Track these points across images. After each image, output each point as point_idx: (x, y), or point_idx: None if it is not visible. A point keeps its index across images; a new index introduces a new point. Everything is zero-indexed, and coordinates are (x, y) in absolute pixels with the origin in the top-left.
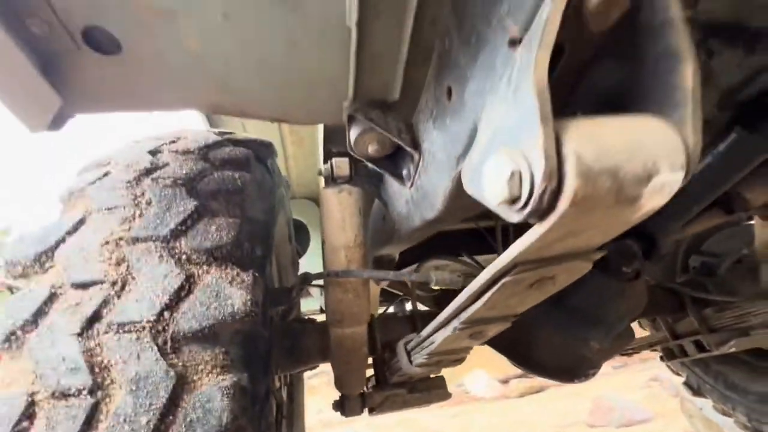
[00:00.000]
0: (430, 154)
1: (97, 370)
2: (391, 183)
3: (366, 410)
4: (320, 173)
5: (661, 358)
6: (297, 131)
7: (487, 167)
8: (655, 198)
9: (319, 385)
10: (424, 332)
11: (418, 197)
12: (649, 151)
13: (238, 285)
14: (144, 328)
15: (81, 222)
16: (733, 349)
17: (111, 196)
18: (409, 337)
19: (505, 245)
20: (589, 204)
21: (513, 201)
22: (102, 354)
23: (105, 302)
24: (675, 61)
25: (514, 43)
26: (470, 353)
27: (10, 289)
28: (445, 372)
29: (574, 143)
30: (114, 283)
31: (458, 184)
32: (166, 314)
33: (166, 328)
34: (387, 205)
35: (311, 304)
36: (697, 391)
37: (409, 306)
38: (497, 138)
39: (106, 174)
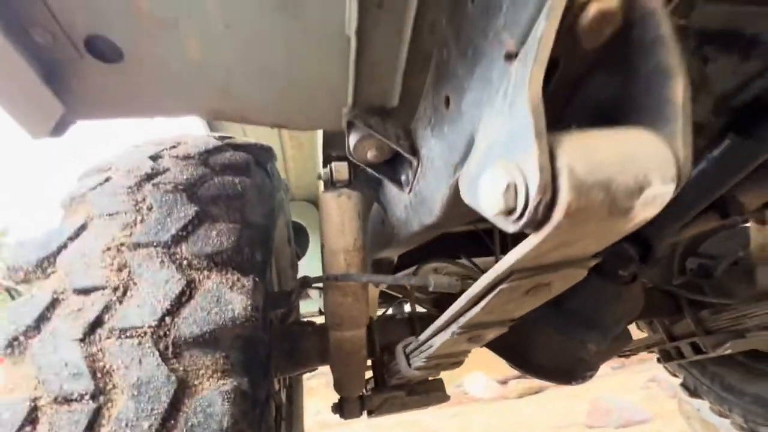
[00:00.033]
0: (428, 160)
1: (99, 375)
2: (390, 188)
3: (365, 412)
4: (319, 177)
5: (658, 359)
6: (296, 134)
7: (484, 179)
8: (647, 209)
9: (317, 387)
10: (423, 336)
11: (416, 202)
12: (640, 164)
13: (238, 290)
14: (146, 333)
15: (82, 228)
16: (729, 351)
17: (112, 201)
18: (408, 340)
19: (503, 248)
20: (582, 216)
21: (509, 212)
22: (104, 359)
23: (107, 308)
24: (666, 77)
25: (510, 57)
26: (469, 355)
27: (9, 291)
28: (445, 373)
29: (567, 157)
30: (116, 289)
31: (456, 192)
32: (168, 319)
33: (168, 333)
34: (386, 209)
35: (310, 306)
36: (694, 393)
37: (407, 308)
38: (493, 150)
39: (107, 179)
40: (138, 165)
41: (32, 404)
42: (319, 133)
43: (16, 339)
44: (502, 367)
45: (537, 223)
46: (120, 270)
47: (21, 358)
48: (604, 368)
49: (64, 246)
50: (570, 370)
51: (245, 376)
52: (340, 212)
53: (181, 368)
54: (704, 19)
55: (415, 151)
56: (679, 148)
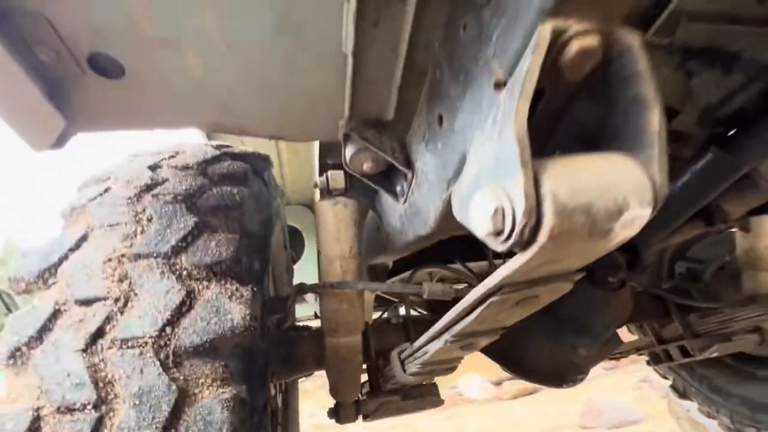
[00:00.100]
0: (422, 173)
1: (101, 385)
2: (386, 197)
3: (360, 417)
4: (316, 185)
5: (648, 362)
6: None
7: (474, 202)
8: (626, 230)
9: (312, 389)
10: (417, 343)
11: (411, 213)
12: (619, 189)
13: (237, 300)
14: (147, 343)
15: (83, 239)
16: (716, 354)
17: (112, 212)
18: (403, 346)
19: (496, 253)
20: (565, 237)
21: (497, 233)
22: (106, 369)
23: (108, 318)
24: (643, 108)
25: (499, 85)
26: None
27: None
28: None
29: (551, 183)
30: (117, 300)
31: (449, 205)
32: (168, 330)
33: (168, 343)
34: (381, 217)
35: (306, 310)
36: (683, 394)
37: (402, 310)
38: (483, 175)
39: (106, 190)
40: (137, 175)
41: (35, 414)
42: (316, 141)
43: (18, 349)
44: (496, 368)
45: (524, 244)
46: (121, 281)
47: (23, 368)
48: (597, 369)
49: (65, 257)
50: (561, 374)
51: (244, 384)
52: (336, 220)
53: (182, 377)
54: (688, 37)
55: (409, 164)
56: (656, 173)
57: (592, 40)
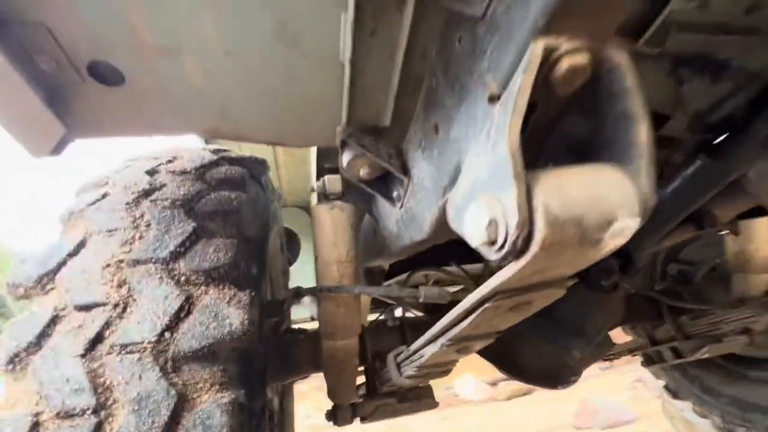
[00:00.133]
0: (418, 180)
1: (100, 390)
2: (382, 201)
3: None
4: (313, 190)
5: (642, 363)
6: None
7: (469, 213)
8: (615, 240)
9: (308, 390)
10: (413, 347)
11: (407, 218)
12: (609, 201)
13: (235, 305)
14: (146, 348)
15: (82, 244)
16: (707, 355)
17: (111, 218)
18: (399, 349)
19: None
20: (556, 247)
21: (491, 243)
22: (105, 374)
23: (107, 324)
24: (631, 122)
25: (493, 99)
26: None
27: None
28: None
29: (543, 195)
30: (116, 305)
31: (444, 212)
32: (167, 335)
33: (167, 348)
34: (378, 221)
35: (302, 312)
36: (676, 395)
37: (399, 312)
38: (477, 186)
39: (104, 195)
40: (135, 181)
41: (34, 419)
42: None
43: (17, 355)
44: (491, 368)
45: (517, 253)
46: (120, 286)
47: (22, 373)
48: (592, 369)
49: (64, 263)
50: (555, 375)
51: (242, 388)
52: (333, 224)
53: (181, 382)
54: (678, 46)
55: (406, 170)
56: (643, 184)
57: (582, 58)
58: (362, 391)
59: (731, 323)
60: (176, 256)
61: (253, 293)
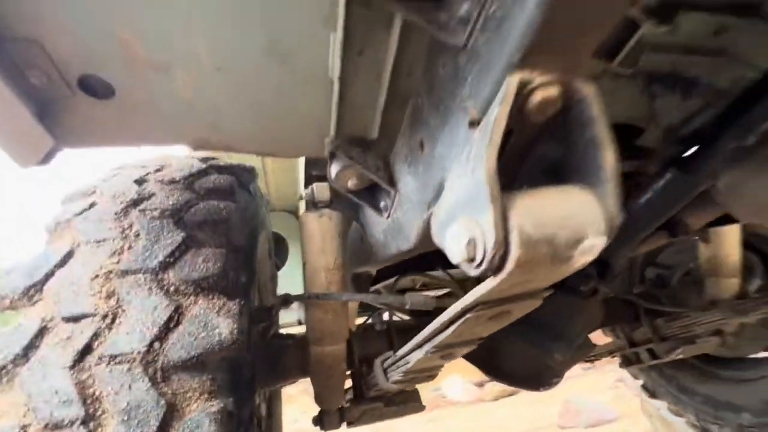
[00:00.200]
0: (405, 192)
1: (89, 401)
2: (370, 210)
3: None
4: (301, 197)
5: (620, 364)
6: None
7: (450, 232)
8: (585, 256)
9: (296, 394)
10: (399, 353)
11: (394, 228)
12: (578, 221)
13: (224, 314)
14: (135, 359)
15: (69, 255)
16: (681, 356)
17: (99, 228)
18: (386, 355)
19: None
20: (530, 265)
21: (471, 260)
22: (94, 386)
23: (96, 335)
24: (598, 148)
25: (473, 124)
26: None
27: None
28: None
29: (518, 217)
30: (105, 316)
31: (429, 225)
32: (156, 345)
33: (156, 358)
34: (365, 228)
35: (289, 317)
36: (653, 394)
37: (386, 316)
38: (458, 206)
39: (92, 205)
40: (123, 190)
41: (22, 431)
42: None
43: (4, 367)
44: (477, 370)
45: (494, 270)
46: (108, 297)
47: (9, 386)
48: (575, 369)
49: (52, 273)
50: (538, 378)
51: (231, 396)
52: (321, 232)
53: (170, 392)
54: (651, 65)
55: (393, 182)
56: (610, 204)
57: (553, 91)
58: (349, 396)
59: (704, 325)
60: (165, 266)
61: (242, 302)
